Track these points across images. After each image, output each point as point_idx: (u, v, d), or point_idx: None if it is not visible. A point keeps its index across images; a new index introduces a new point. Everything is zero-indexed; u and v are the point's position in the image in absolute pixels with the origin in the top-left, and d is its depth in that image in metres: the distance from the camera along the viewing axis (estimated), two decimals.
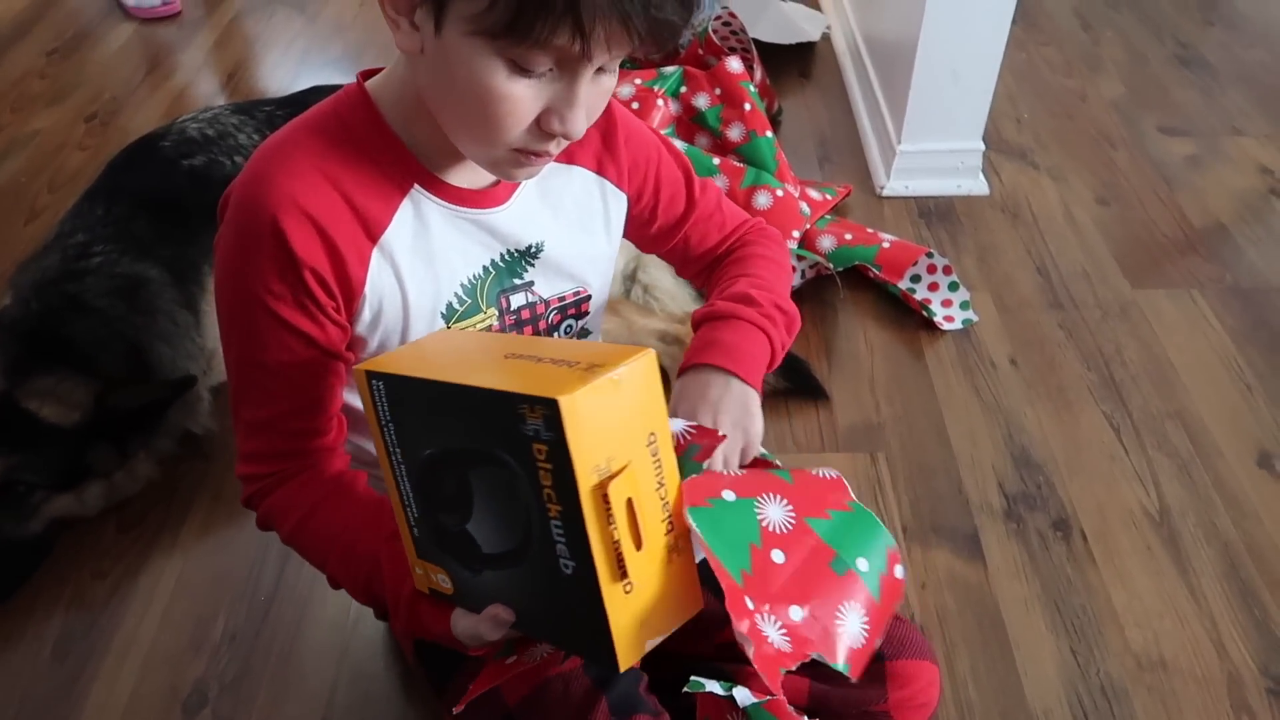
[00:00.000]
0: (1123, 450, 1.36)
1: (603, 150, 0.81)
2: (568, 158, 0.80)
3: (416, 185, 0.73)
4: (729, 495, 0.68)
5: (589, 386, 0.56)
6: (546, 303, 0.82)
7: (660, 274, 1.55)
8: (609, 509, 0.58)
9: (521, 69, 0.62)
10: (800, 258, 1.56)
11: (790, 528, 0.69)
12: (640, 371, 0.59)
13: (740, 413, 0.77)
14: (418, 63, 0.67)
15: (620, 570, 0.59)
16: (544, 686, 0.78)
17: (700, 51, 1.96)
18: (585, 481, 0.57)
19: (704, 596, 0.65)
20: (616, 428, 0.58)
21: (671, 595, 0.63)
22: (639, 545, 0.60)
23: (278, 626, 1.16)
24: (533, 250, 0.79)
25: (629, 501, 0.58)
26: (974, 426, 1.39)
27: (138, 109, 2.13)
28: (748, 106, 1.74)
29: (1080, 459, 1.34)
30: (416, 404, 0.64)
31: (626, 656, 0.61)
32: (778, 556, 0.68)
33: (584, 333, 0.87)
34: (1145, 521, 1.26)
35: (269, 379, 0.74)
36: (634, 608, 0.61)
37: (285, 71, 2.29)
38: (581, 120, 0.65)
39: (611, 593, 0.60)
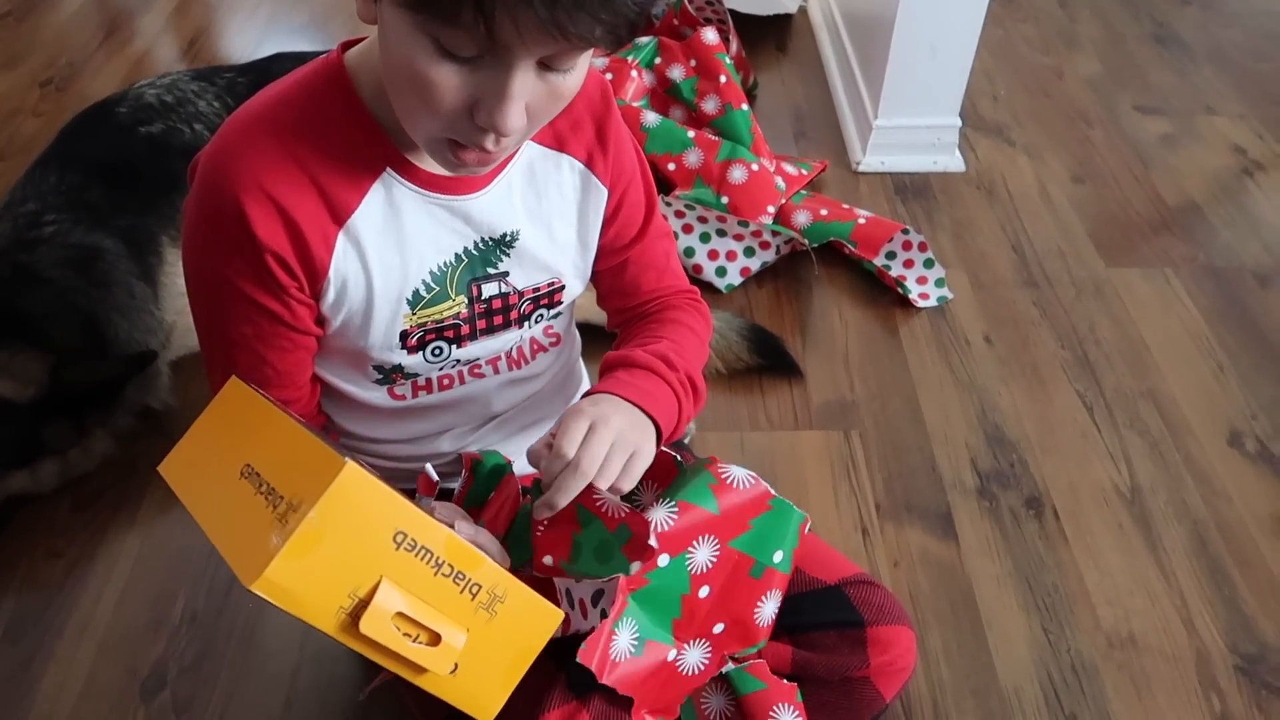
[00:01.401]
0: (1095, 429, 1.36)
1: (595, 143, 0.78)
2: (559, 145, 0.77)
3: (389, 169, 0.70)
4: (664, 560, 0.73)
5: (281, 554, 0.51)
6: (520, 293, 0.79)
7: None
8: (370, 639, 0.56)
9: (446, 51, 0.57)
10: (775, 233, 1.54)
11: (714, 562, 0.75)
12: (340, 499, 0.53)
13: (637, 435, 0.73)
14: (379, 42, 0.64)
15: (420, 670, 0.58)
16: None
17: (675, 22, 1.93)
18: (331, 626, 0.55)
19: None
20: (343, 559, 0.54)
21: (514, 635, 0.62)
22: (435, 641, 0.58)
23: (239, 607, 1.14)
24: (507, 239, 0.76)
25: (398, 614, 0.56)
26: (947, 404, 1.39)
27: (95, 75, 2.06)
28: (723, 79, 1.71)
29: (1053, 437, 1.34)
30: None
31: (486, 712, 0.62)
32: (704, 591, 0.75)
33: (557, 314, 0.84)
34: (1117, 499, 1.27)
35: (235, 350, 0.73)
36: (467, 678, 0.60)
37: (248, 38, 2.23)
38: (513, 115, 0.59)
39: (429, 683, 0.60)
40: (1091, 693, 1.07)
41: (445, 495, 0.84)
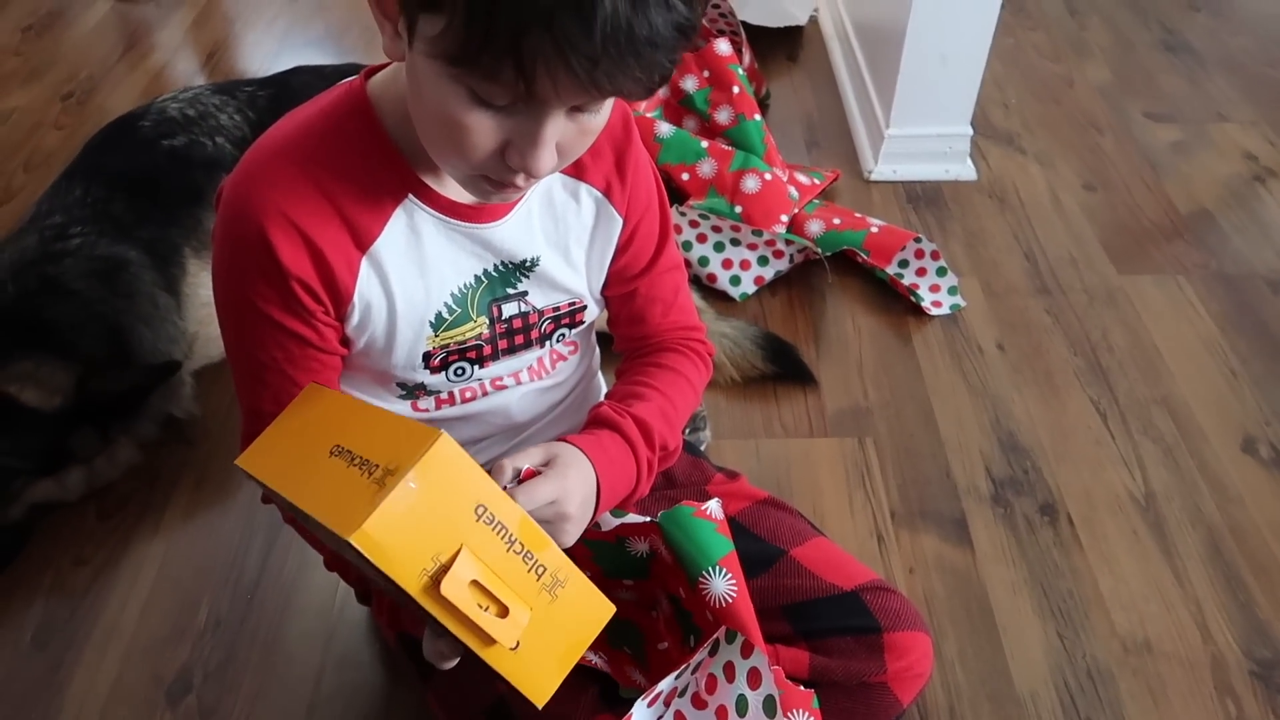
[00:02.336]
0: (1109, 435, 1.36)
1: (614, 172, 0.79)
2: (578, 173, 0.78)
3: (411, 195, 0.71)
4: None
5: (379, 510, 0.55)
6: (540, 312, 0.80)
7: None
8: (449, 602, 0.58)
9: (480, 99, 0.59)
10: (789, 242, 1.55)
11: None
12: (435, 466, 0.57)
13: (578, 509, 0.73)
14: (407, 81, 0.66)
15: (489, 640, 0.61)
16: None
17: None
18: (415, 586, 0.58)
19: None
20: (429, 525, 0.58)
21: (570, 622, 0.64)
22: (503, 613, 0.61)
23: (262, 613, 1.15)
24: (527, 264, 0.78)
25: (473, 583, 0.59)
26: (961, 411, 1.39)
27: (115, 88, 2.09)
28: (736, 89, 1.73)
29: (1067, 444, 1.35)
30: (280, 499, 0.65)
31: (540, 695, 0.64)
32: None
33: (579, 327, 0.85)
34: (1131, 506, 1.27)
35: (264, 371, 0.74)
36: (527, 657, 0.63)
37: (266, 51, 2.25)
38: (545, 159, 0.61)
39: (494, 656, 0.62)
40: (1107, 698, 1.07)
41: None
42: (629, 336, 0.90)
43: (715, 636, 0.76)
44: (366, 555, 0.55)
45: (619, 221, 0.81)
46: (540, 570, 0.62)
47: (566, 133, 0.62)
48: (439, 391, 0.82)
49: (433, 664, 0.69)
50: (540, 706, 0.64)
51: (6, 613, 1.16)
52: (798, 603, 0.86)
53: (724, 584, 0.76)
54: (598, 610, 0.66)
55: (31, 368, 1.20)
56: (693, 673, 0.77)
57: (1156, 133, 1.96)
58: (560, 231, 0.79)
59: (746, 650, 0.75)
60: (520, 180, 0.64)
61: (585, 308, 0.83)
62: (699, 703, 0.77)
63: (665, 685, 0.74)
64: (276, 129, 0.71)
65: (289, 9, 2.40)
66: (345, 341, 0.76)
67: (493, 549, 0.60)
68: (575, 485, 0.71)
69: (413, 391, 0.81)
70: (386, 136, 0.70)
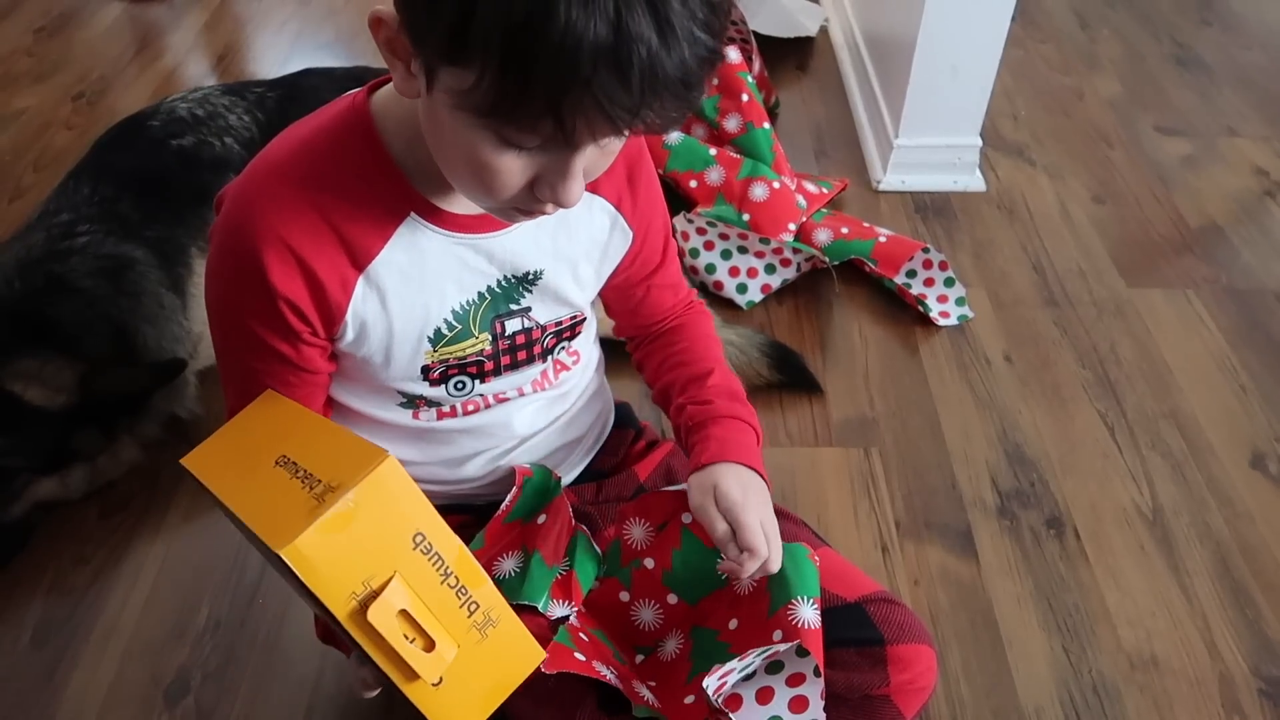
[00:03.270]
0: (1116, 449, 1.35)
1: (625, 185, 0.79)
2: (592, 187, 0.77)
3: (413, 213, 0.71)
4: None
5: (314, 528, 0.54)
6: (543, 328, 0.80)
7: None
8: (375, 630, 0.57)
9: (510, 143, 0.59)
10: (796, 250, 1.55)
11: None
12: (376, 487, 0.56)
13: (768, 514, 0.82)
14: (422, 122, 0.65)
15: (411, 674, 0.60)
16: (535, 680, 0.77)
17: None
18: (342, 609, 0.57)
19: None
20: (365, 549, 0.57)
21: (497, 664, 0.63)
22: (429, 647, 0.60)
23: (262, 614, 1.15)
24: (530, 277, 0.77)
25: (402, 613, 0.58)
26: (968, 422, 1.39)
27: (126, 89, 2.10)
28: (745, 97, 1.72)
29: (1074, 457, 1.34)
30: (219, 505, 0.65)
31: None
32: (649, 563, 0.88)
33: (578, 338, 0.86)
34: (1138, 520, 1.26)
35: (246, 378, 0.75)
36: (449, 695, 0.61)
37: (277, 54, 2.26)
38: (575, 191, 0.62)
39: (415, 691, 0.61)
40: (1113, 714, 1.06)
41: (492, 509, 0.85)
42: (641, 326, 0.93)
43: (778, 647, 0.77)
44: (296, 571, 0.54)
45: (630, 235, 0.81)
46: (473, 607, 0.61)
47: (592, 162, 0.62)
48: (440, 404, 0.81)
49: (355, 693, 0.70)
50: None
51: (6, 611, 1.16)
52: None
53: (811, 613, 0.78)
54: (527, 654, 0.65)
55: (36, 366, 1.20)
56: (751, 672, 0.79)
57: (1167, 146, 1.95)
58: (571, 244, 0.78)
59: (796, 680, 0.77)
60: (549, 208, 0.64)
61: (585, 320, 0.84)
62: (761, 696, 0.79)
63: (734, 664, 0.76)
64: (280, 143, 0.71)
65: (300, 12, 2.41)
66: (336, 356, 0.76)
67: (427, 580, 0.59)
68: (754, 501, 0.79)
69: (413, 401, 0.80)
70: (388, 156, 0.69)
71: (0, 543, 1.19)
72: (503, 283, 0.76)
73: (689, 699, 0.80)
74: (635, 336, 0.94)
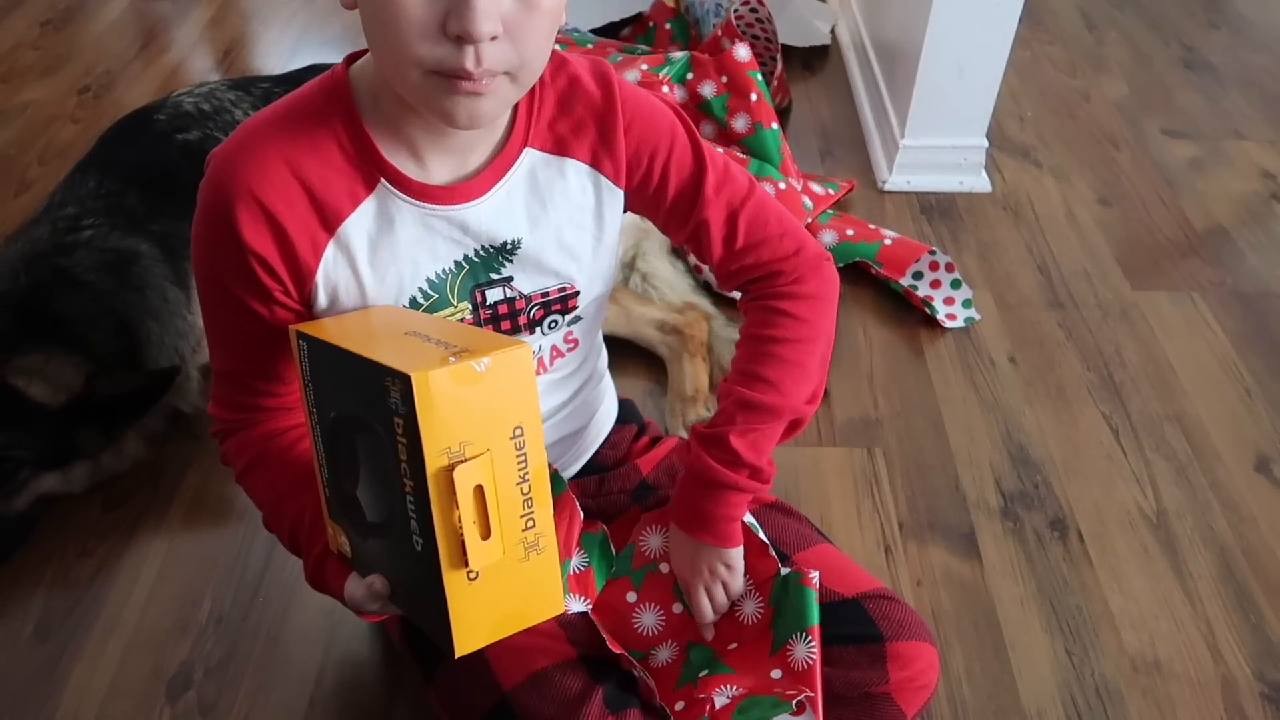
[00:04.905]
0: (1121, 451, 1.35)
1: (598, 142, 0.77)
2: (560, 149, 0.76)
3: (384, 181, 0.72)
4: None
5: (447, 369, 0.58)
6: (527, 298, 0.80)
7: (659, 263, 1.53)
8: (454, 493, 0.58)
9: None
10: None
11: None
12: (508, 364, 0.60)
13: (727, 574, 0.86)
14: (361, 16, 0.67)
15: (462, 556, 0.60)
16: (540, 675, 0.77)
17: (719, 34, 1.93)
18: (433, 461, 0.58)
19: None
20: (475, 414, 0.59)
21: (524, 592, 0.64)
22: (485, 534, 0.60)
23: (265, 609, 1.15)
24: (508, 247, 0.77)
25: (479, 489, 0.60)
26: (972, 424, 1.38)
27: (131, 83, 2.10)
28: (754, 96, 1.72)
29: (1078, 459, 1.34)
30: (329, 367, 0.67)
31: (464, 643, 0.63)
32: (664, 568, 0.90)
33: (576, 319, 0.84)
34: (1142, 523, 1.26)
35: (227, 338, 0.78)
36: (477, 597, 0.62)
37: (282, 49, 2.26)
38: (482, 16, 0.60)
39: (452, 578, 0.61)
40: (1115, 717, 1.06)
41: None
42: (727, 273, 0.85)
43: (781, 693, 0.78)
44: (415, 403, 0.56)
45: (619, 194, 0.79)
46: (530, 523, 0.62)
47: (507, 6, 0.62)
48: None
49: (355, 607, 0.71)
50: (455, 656, 0.62)
51: (8, 604, 1.16)
52: None
53: (805, 650, 0.80)
54: (553, 597, 0.66)
55: (41, 361, 1.20)
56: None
57: (1173, 149, 1.95)
58: (550, 212, 0.77)
59: (800, 709, 0.77)
60: (469, 61, 0.62)
61: (578, 293, 0.82)
62: None
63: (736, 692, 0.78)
64: (263, 111, 0.74)
65: (306, 7, 2.40)
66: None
67: (508, 474, 0.61)
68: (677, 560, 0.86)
69: None
70: (362, 123, 0.71)
71: (3, 536, 1.19)
72: (480, 252, 0.77)
73: (679, 705, 0.80)
74: (727, 277, 0.85)
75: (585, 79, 0.76)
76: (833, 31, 2.26)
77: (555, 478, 0.86)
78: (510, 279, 0.78)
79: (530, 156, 0.76)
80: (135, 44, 2.24)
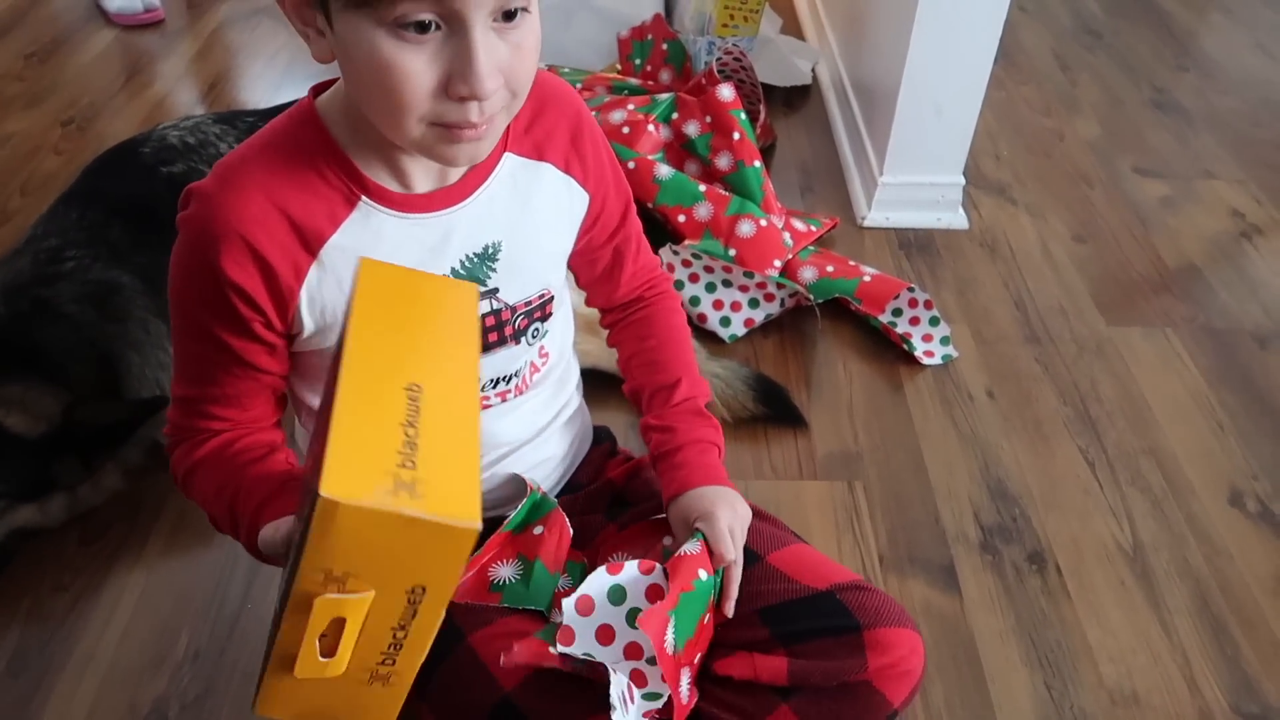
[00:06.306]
0: (1097, 485, 1.36)
1: (570, 149, 0.81)
2: (538, 154, 0.79)
3: (364, 198, 0.73)
4: (703, 574, 0.80)
5: (367, 504, 0.49)
6: (513, 309, 0.81)
7: None
8: (309, 614, 0.54)
9: (401, 31, 0.62)
10: (780, 285, 1.56)
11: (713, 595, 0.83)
12: (445, 536, 0.51)
13: (737, 519, 0.86)
14: (340, 69, 0.69)
15: (293, 660, 0.56)
16: (541, 675, 0.77)
17: (703, 82, 1.95)
18: (305, 577, 0.52)
19: None
20: (377, 557, 0.52)
21: (351, 707, 0.61)
22: (329, 654, 0.56)
23: (243, 644, 1.14)
24: (490, 251, 0.78)
25: (339, 621, 0.54)
26: (951, 458, 1.40)
27: (115, 115, 2.10)
28: (737, 135, 1.75)
29: (1055, 492, 1.35)
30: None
31: (266, 708, 0.61)
32: (705, 618, 0.82)
33: (543, 334, 0.85)
34: (1119, 556, 1.27)
35: (193, 366, 0.77)
36: (298, 687, 0.59)
37: (268, 83, 2.27)
38: (486, 77, 0.62)
39: (276, 666, 0.58)
40: None
41: (497, 523, 0.85)
42: (603, 297, 0.95)
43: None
44: (313, 520, 0.50)
45: (585, 197, 0.83)
46: (389, 661, 0.58)
47: (499, 52, 0.64)
48: None
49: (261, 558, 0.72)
50: (254, 710, 0.61)
51: None
52: (773, 605, 0.83)
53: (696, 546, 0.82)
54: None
55: (19, 392, 1.19)
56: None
57: (1145, 187, 1.99)
58: (528, 216, 0.79)
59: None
60: (474, 114, 0.65)
61: (553, 298, 0.84)
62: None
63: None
64: (239, 148, 0.75)
65: (292, 43, 2.42)
66: (299, 356, 0.77)
67: (383, 619, 0.55)
68: (701, 508, 0.85)
69: None
70: (335, 144, 0.72)
71: None
72: (466, 263, 0.77)
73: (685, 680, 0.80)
74: (607, 312, 0.96)
75: (557, 86, 0.81)
76: (814, 70, 2.30)
77: (544, 500, 0.87)
78: (496, 290, 0.79)
79: (510, 161, 0.78)
80: (120, 77, 2.25)
